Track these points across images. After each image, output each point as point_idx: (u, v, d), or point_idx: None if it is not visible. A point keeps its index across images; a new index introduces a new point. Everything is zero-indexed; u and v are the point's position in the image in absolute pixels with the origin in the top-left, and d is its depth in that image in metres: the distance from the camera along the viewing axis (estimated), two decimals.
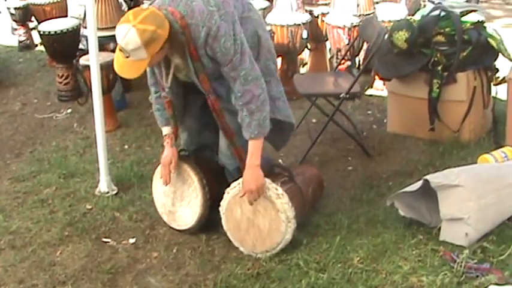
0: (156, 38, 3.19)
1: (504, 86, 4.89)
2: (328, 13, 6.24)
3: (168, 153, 3.83)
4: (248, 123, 3.47)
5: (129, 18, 3.18)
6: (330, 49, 6.55)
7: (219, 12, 3.32)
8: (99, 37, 4.44)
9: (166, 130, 3.85)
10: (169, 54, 3.42)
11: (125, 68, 3.29)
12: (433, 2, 5.14)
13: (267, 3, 6.54)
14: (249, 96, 3.42)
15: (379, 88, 6.05)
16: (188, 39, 3.32)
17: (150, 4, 3.52)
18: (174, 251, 3.83)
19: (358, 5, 6.01)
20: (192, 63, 3.42)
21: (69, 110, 6.13)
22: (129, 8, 6.77)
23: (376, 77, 5.70)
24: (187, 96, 3.78)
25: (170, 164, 3.82)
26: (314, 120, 5.45)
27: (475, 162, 4.41)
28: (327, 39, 6.41)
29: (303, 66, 6.80)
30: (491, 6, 9.58)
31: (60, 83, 6.38)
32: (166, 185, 3.86)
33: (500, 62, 4.97)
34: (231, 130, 3.66)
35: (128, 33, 3.15)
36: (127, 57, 3.23)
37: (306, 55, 6.79)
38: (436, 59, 4.79)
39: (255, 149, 3.52)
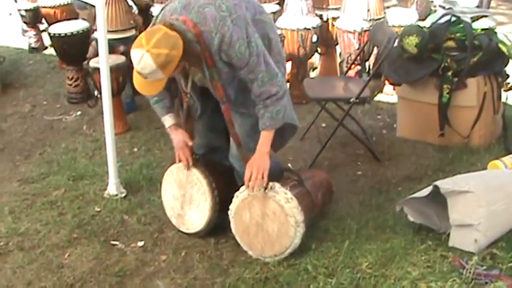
0: (171, 60, 3.19)
1: None
2: (338, 17, 6.24)
3: (178, 136, 3.80)
4: (262, 114, 3.51)
5: (142, 43, 3.17)
6: (340, 53, 6.55)
7: (230, 17, 3.31)
8: (109, 40, 4.45)
9: (168, 121, 3.80)
10: (186, 64, 3.42)
11: (144, 87, 3.31)
12: (443, 7, 5.14)
13: (278, 7, 6.54)
14: (266, 95, 3.46)
15: (389, 93, 6.05)
16: (203, 47, 3.31)
17: (162, 10, 3.52)
18: (183, 254, 3.82)
19: (368, 10, 6.00)
20: (208, 70, 3.42)
21: (78, 112, 6.14)
22: (139, 11, 6.79)
23: (386, 82, 5.70)
24: (199, 101, 3.78)
25: (186, 146, 3.80)
26: (324, 125, 5.45)
27: (485, 168, 4.40)
28: (337, 44, 6.41)
29: (313, 71, 6.81)
30: (498, 12, 9.56)
31: (70, 85, 6.40)
32: (188, 169, 3.83)
33: (511, 68, 4.96)
34: (239, 140, 3.68)
35: (142, 59, 3.15)
36: (145, 78, 3.24)
37: (316, 59, 6.79)
38: (446, 64, 4.78)
39: (265, 138, 3.56)
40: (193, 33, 3.27)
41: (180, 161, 3.84)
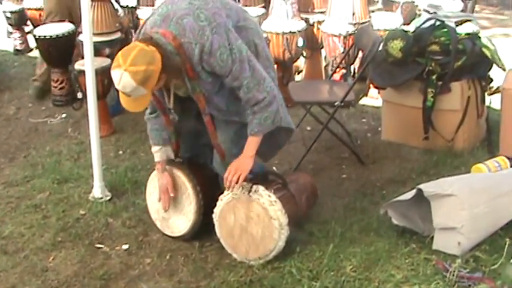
0: (150, 75, 3.22)
1: (498, 95, 4.91)
2: (323, 21, 6.25)
3: (163, 180, 3.86)
4: (250, 120, 3.53)
5: (120, 63, 3.20)
6: (325, 57, 6.56)
7: (210, 26, 3.31)
8: (94, 42, 4.44)
9: (159, 155, 3.87)
10: (168, 77, 3.43)
11: (130, 104, 3.36)
12: (428, 12, 5.16)
13: (263, 11, 6.54)
14: (253, 101, 3.48)
15: (373, 96, 6.06)
16: (184, 59, 3.33)
17: (144, 24, 3.54)
18: (167, 257, 3.82)
19: (353, 14, 6.01)
20: (189, 82, 3.42)
21: (63, 115, 6.12)
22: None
23: (371, 85, 5.71)
24: (183, 104, 3.78)
25: (168, 190, 3.85)
26: (309, 128, 5.46)
27: (469, 172, 4.42)
28: (322, 47, 6.42)
29: (298, 74, 6.81)
30: (483, 16, 9.61)
31: (55, 87, 6.38)
32: (166, 210, 3.89)
33: (494, 72, 4.99)
34: (223, 151, 3.71)
35: (121, 78, 3.19)
36: (129, 96, 3.27)
37: (301, 63, 6.80)
38: (430, 68, 4.80)
39: (252, 143, 3.58)
40: (174, 45, 3.28)
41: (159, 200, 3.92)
